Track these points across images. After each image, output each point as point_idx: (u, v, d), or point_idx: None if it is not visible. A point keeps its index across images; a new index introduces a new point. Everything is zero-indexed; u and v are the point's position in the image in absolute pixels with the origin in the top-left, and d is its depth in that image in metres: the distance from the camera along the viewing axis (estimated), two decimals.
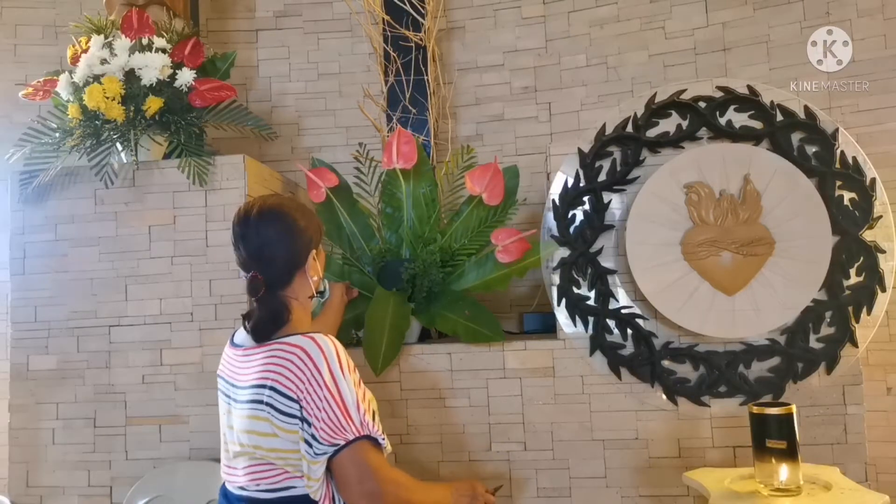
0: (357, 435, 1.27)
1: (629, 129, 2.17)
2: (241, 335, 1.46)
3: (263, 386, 1.30)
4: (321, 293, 1.55)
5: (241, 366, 1.40)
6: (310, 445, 1.27)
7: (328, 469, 1.30)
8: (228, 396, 1.42)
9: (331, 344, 1.32)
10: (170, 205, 2.25)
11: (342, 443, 1.26)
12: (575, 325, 2.16)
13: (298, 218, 1.43)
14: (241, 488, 1.37)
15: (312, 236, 1.46)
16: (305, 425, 1.27)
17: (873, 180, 2.09)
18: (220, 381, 1.47)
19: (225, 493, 1.44)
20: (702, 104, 2.15)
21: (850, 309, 2.07)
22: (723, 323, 2.05)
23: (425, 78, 2.83)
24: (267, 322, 1.38)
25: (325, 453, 1.27)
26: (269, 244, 1.39)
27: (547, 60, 2.86)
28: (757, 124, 2.13)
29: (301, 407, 1.27)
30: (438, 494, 1.50)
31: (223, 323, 2.21)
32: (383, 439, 1.33)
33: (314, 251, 1.46)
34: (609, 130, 2.19)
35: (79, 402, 2.22)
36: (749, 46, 2.64)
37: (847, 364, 2.06)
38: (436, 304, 2.27)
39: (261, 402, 1.29)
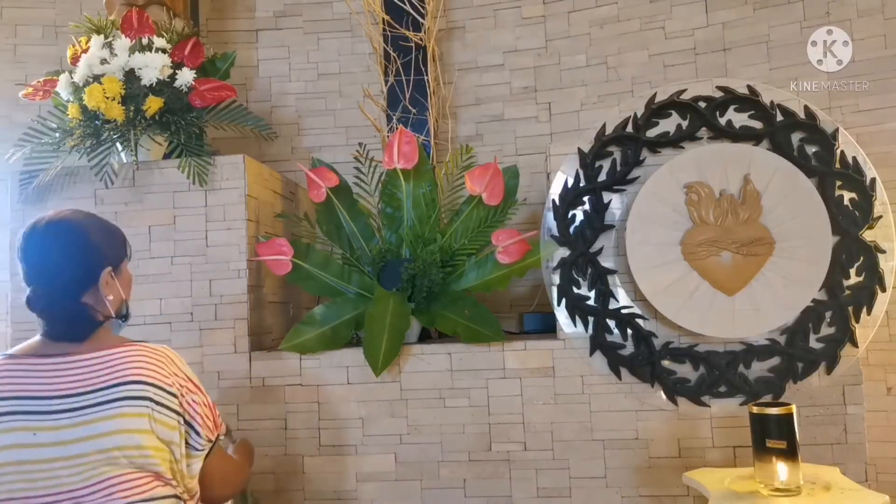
0: (216, 435, 1.36)
1: (629, 129, 2.17)
2: (34, 346, 1.30)
3: (136, 382, 1.24)
4: (123, 316, 1.41)
5: (72, 372, 1.25)
6: (191, 438, 1.29)
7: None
8: (40, 413, 1.21)
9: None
10: (170, 205, 2.25)
11: (214, 438, 1.34)
12: (575, 325, 2.16)
13: (86, 224, 1.34)
14: None
15: (102, 245, 1.35)
16: (187, 417, 1.28)
17: (873, 180, 2.09)
18: (8, 402, 1.22)
19: None
20: (702, 104, 2.15)
21: (850, 309, 2.07)
22: (723, 323, 2.05)
23: (425, 78, 2.83)
24: (76, 323, 1.30)
25: (203, 449, 1.31)
26: (55, 258, 1.31)
27: (547, 60, 2.86)
28: (757, 124, 2.13)
29: (180, 402, 1.28)
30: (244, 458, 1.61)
31: (223, 323, 2.21)
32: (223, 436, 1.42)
33: (109, 270, 1.34)
34: (609, 130, 2.19)
35: None
36: (749, 46, 2.64)
37: (847, 364, 2.06)
38: (436, 304, 2.27)
39: (134, 397, 1.22)
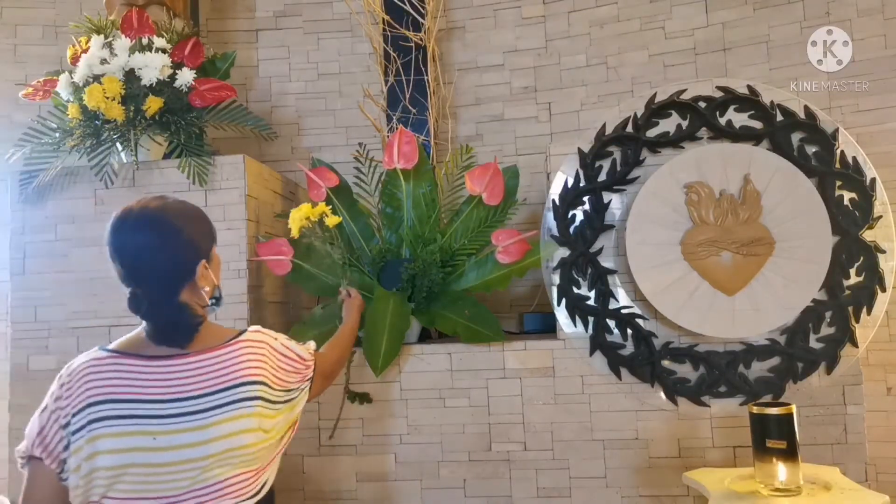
0: (312, 363, 1.43)
1: (629, 129, 2.17)
2: (138, 343, 1.28)
3: (248, 383, 1.26)
4: (217, 300, 1.37)
5: (186, 375, 1.25)
6: (296, 390, 1.37)
7: None
8: (158, 417, 1.21)
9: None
10: None
11: (311, 375, 1.42)
12: (575, 325, 2.16)
13: (177, 220, 1.29)
14: None
15: (194, 240, 1.30)
16: (289, 395, 1.35)
17: (873, 180, 2.09)
18: (125, 405, 1.21)
19: None
20: (702, 104, 2.15)
21: (850, 309, 2.07)
22: (723, 323, 2.05)
23: (425, 78, 2.83)
24: (178, 326, 1.27)
25: (305, 388, 1.39)
26: (147, 253, 1.27)
27: (547, 60, 2.86)
28: (757, 124, 2.13)
29: (282, 387, 1.33)
30: (348, 335, 1.77)
31: (223, 323, 2.17)
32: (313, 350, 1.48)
33: (203, 262, 1.30)
34: (609, 130, 2.19)
35: None
36: (749, 46, 2.64)
37: (847, 364, 2.06)
38: (436, 304, 2.27)
39: (248, 398, 1.25)
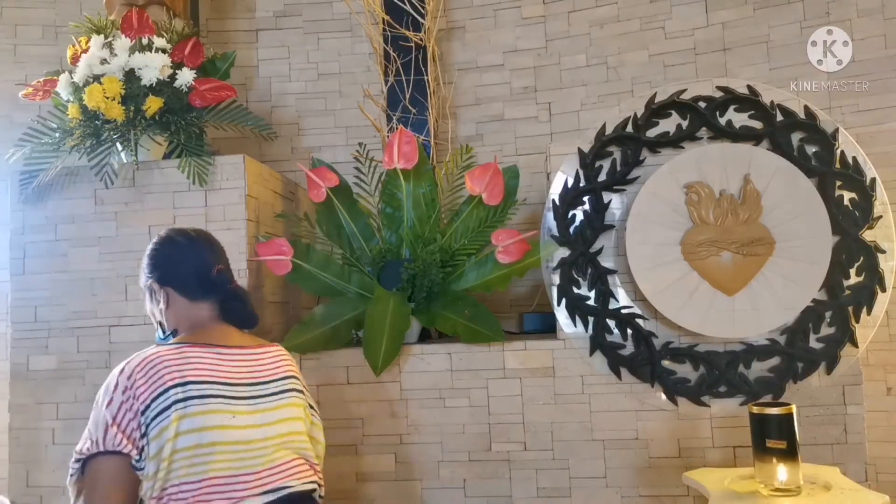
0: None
1: (629, 129, 2.17)
2: (204, 336, 1.41)
3: (294, 377, 1.47)
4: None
5: (250, 363, 1.42)
6: (314, 415, 1.53)
7: None
8: (234, 398, 1.33)
9: None
10: (170, 205, 2.25)
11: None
12: (575, 325, 2.16)
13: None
14: (281, 488, 1.33)
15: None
16: (311, 402, 1.54)
17: (873, 180, 2.09)
18: (205, 386, 1.31)
19: None
20: (702, 104, 2.15)
21: (850, 309, 2.07)
22: (723, 323, 2.05)
23: (425, 78, 2.83)
24: (251, 309, 1.51)
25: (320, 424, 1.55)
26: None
27: (547, 60, 2.86)
28: (757, 124, 2.13)
29: (308, 401, 1.53)
30: None
31: None
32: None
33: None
34: (609, 130, 2.19)
35: (79, 402, 2.22)
36: (749, 46, 2.64)
37: (847, 364, 2.06)
38: (436, 304, 2.27)
39: (296, 390, 1.46)
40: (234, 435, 1.29)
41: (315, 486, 1.42)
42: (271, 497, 1.31)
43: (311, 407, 1.53)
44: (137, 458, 1.24)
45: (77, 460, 1.29)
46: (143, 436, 1.24)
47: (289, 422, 1.39)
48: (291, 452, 1.38)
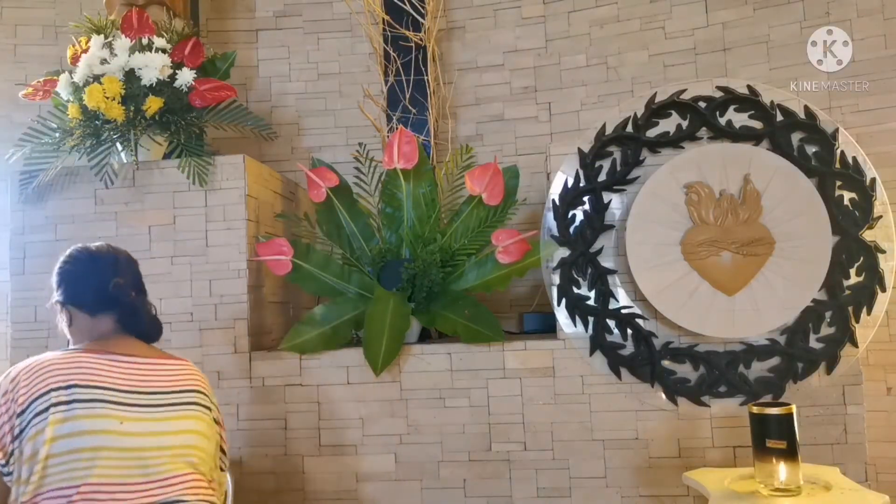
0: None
1: (629, 129, 2.17)
2: (105, 345, 1.39)
3: (200, 391, 1.42)
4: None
5: (146, 373, 1.37)
6: (224, 454, 1.49)
7: None
8: (123, 404, 1.29)
9: None
10: (170, 205, 2.25)
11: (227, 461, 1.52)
12: (575, 325, 2.16)
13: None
14: (173, 502, 1.28)
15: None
16: (219, 430, 1.47)
17: (873, 180, 2.09)
18: (92, 390, 1.27)
19: None
20: (702, 104, 2.15)
21: (850, 309, 2.06)
22: (723, 323, 2.05)
23: (425, 78, 2.83)
24: (156, 322, 1.49)
25: (225, 466, 1.51)
26: (136, 271, 1.55)
27: (547, 60, 2.86)
28: (757, 124, 2.13)
29: (215, 416, 1.46)
30: None
31: (223, 323, 2.21)
32: None
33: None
34: (609, 130, 2.19)
35: None
36: (749, 46, 2.64)
37: (847, 364, 2.06)
38: (436, 304, 2.27)
39: (200, 404, 1.40)
40: (121, 441, 1.24)
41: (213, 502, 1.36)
42: None
43: (221, 437, 1.48)
44: (3, 462, 1.21)
45: None
46: (15, 438, 1.21)
47: (186, 434, 1.33)
48: (188, 466, 1.32)
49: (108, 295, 1.41)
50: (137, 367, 1.36)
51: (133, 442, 1.26)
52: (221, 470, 1.47)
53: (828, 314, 2.08)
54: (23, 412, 1.21)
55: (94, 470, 1.21)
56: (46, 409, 1.21)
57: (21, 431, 1.21)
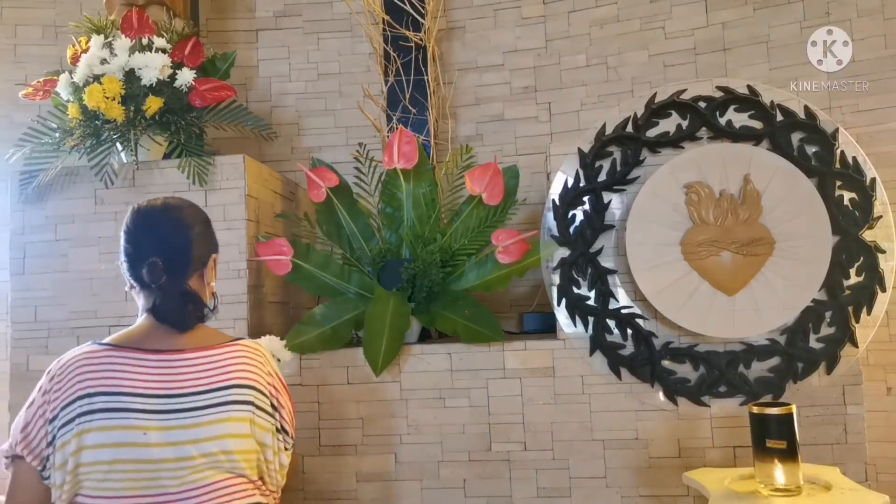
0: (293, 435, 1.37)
1: (629, 129, 2.17)
2: (136, 337, 1.27)
3: (241, 385, 1.26)
4: (213, 308, 1.37)
5: (179, 371, 1.24)
6: (286, 433, 1.33)
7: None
8: (149, 412, 1.19)
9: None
10: None
11: (293, 438, 1.36)
12: (575, 325, 2.16)
13: (201, 217, 1.38)
14: None
15: (214, 241, 1.39)
16: (278, 417, 1.31)
17: (873, 180, 2.09)
18: (116, 398, 1.18)
19: None
20: (702, 104, 2.15)
21: (850, 309, 2.06)
22: (723, 323, 2.05)
23: (425, 78, 2.83)
24: (188, 307, 1.28)
25: (290, 447, 1.34)
26: (174, 235, 1.31)
27: (547, 60, 2.86)
28: (757, 124, 2.13)
29: (271, 402, 1.30)
30: None
31: (223, 323, 2.20)
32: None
33: (215, 256, 1.37)
34: (609, 130, 2.19)
35: None
36: (749, 46, 2.64)
37: (847, 364, 2.06)
38: (436, 304, 2.27)
39: (240, 402, 1.24)
40: (140, 453, 1.16)
41: None
42: None
43: (280, 430, 1.32)
44: (41, 468, 1.20)
45: (6, 457, 1.25)
46: (48, 444, 1.18)
47: (221, 439, 1.21)
48: (220, 473, 1.21)
49: (140, 278, 1.27)
50: (169, 366, 1.23)
51: (155, 454, 1.17)
52: (286, 450, 1.33)
53: (828, 314, 2.08)
54: (53, 419, 1.19)
55: (118, 483, 1.17)
56: (72, 420, 1.17)
57: (53, 438, 1.19)
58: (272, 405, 1.30)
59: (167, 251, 1.28)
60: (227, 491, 1.22)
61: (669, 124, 2.17)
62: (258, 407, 1.27)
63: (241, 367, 1.28)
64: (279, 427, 1.31)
